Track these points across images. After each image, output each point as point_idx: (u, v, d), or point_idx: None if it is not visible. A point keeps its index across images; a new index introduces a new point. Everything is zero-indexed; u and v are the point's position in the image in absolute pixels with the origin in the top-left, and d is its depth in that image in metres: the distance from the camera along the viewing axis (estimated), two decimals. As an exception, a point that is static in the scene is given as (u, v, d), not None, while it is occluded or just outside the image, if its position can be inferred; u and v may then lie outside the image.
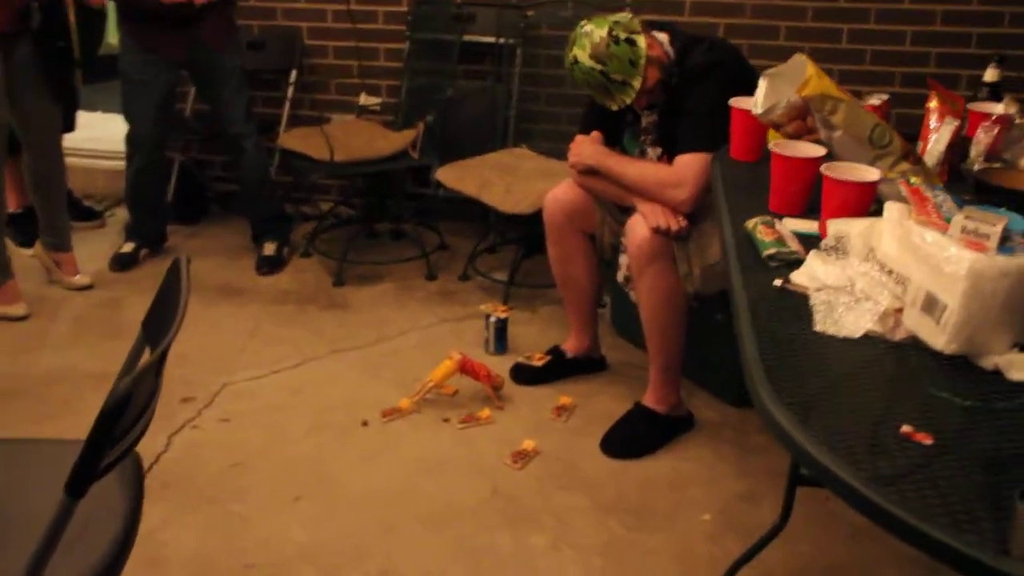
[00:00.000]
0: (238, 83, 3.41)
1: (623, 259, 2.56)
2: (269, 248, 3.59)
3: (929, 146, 1.83)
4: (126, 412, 1.19)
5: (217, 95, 3.40)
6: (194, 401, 2.67)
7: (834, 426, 1.10)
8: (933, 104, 1.88)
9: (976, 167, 1.77)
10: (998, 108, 1.93)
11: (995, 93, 2.20)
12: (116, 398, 1.16)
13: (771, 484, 2.32)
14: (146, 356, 1.54)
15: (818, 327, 1.31)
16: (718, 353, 2.68)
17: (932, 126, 1.85)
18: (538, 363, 2.79)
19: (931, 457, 1.02)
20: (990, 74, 2.23)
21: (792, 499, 1.94)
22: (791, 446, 1.09)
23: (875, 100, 2.02)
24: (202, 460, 2.41)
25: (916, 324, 1.24)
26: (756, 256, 1.55)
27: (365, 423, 2.58)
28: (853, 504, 0.98)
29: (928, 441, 1.05)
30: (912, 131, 1.92)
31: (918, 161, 1.71)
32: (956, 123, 1.80)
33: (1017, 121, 1.85)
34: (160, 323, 1.47)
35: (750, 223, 1.63)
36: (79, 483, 1.19)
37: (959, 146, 1.84)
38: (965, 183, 1.79)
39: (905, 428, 1.07)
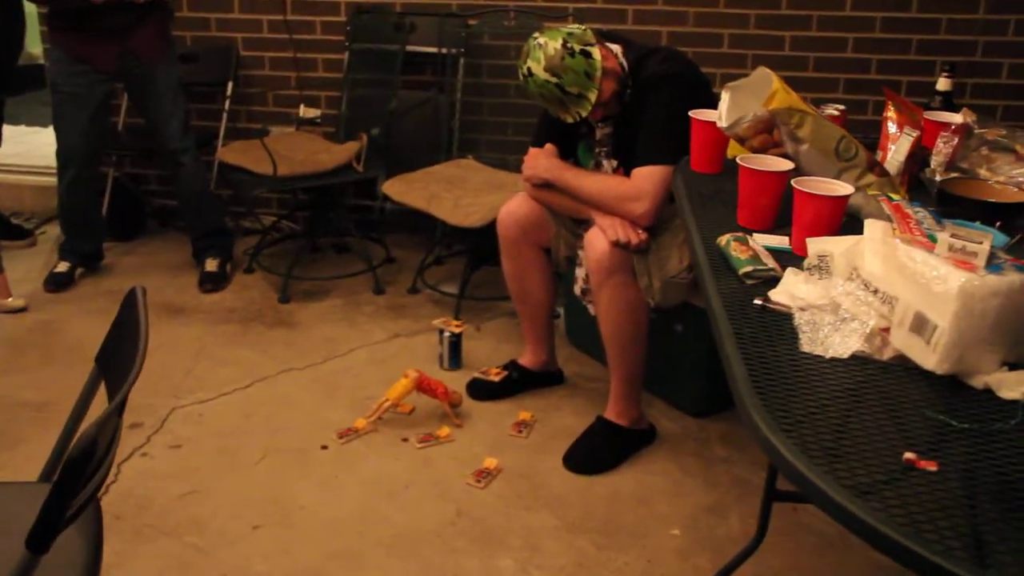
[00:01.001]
0: (174, 96, 3.31)
1: (579, 271, 2.54)
2: (211, 264, 3.51)
3: (889, 156, 1.83)
4: (92, 459, 1.11)
5: (153, 108, 3.29)
6: (142, 427, 2.58)
7: (833, 450, 1.07)
8: (891, 113, 1.88)
9: (938, 177, 1.78)
10: (956, 118, 1.95)
11: (948, 102, 2.22)
12: (82, 446, 1.08)
13: (737, 495, 2.32)
14: (102, 392, 1.46)
15: (805, 347, 1.29)
16: (678, 364, 2.67)
17: (891, 134, 1.86)
18: (495, 378, 2.76)
19: (938, 485, 1.00)
20: (943, 83, 2.25)
21: (768, 516, 1.93)
22: (792, 474, 1.06)
23: (833, 111, 2.02)
24: (154, 489, 2.33)
25: (905, 344, 1.23)
26: (730, 273, 1.53)
27: (324, 447, 2.52)
28: (866, 538, 0.95)
29: (933, 468, 1.03)
30: (861, 138, 1.92)
31: (884, 173, 1.70)
32: (916, 133, 1.80)
33: (976, 131, 1.86)
34: (117, 359, 1.39)
35: (722, 240, 1.61)
36: (42, 537, 1.11)
37: (918, 156, 1.85)
38: (926, 193, 1.79)
39: (908, 455, 1.05)
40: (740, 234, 1.61)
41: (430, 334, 3.07)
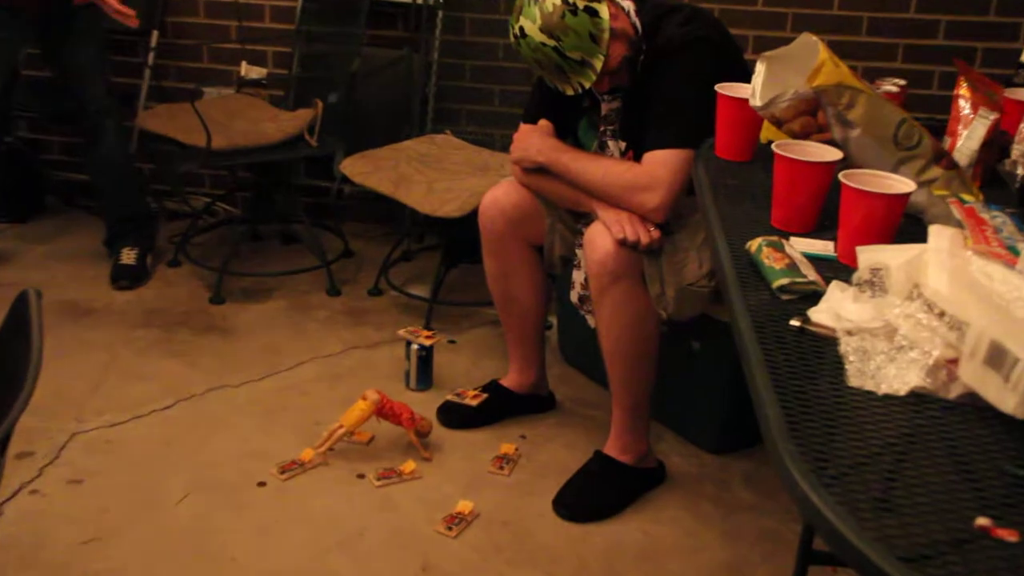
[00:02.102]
0: (98, 48, 3.29)
1: (577, 275, 2.54)
2: (128, 255, 3.49)
3: (959, 143, 1.82)
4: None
5: (73, 61, 3.26)
6: (33, 457, 2.56)
7: (886, 510, 1.05)
8: (963, 91, 1.87)
9: (1021, 171, 1.77)
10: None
11: (1033, 77, 2.21)
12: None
13: (765, 551, 2.31)
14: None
15: (852, 381, 1.27)
16: (693, 389, 2.67)
17: (963, 116, 1.84)
18: (472, 402, 2.76)
19: (1020, 558, 0.99)
20: (1026, 54, 2.24)
21: (803, 583, 1.93)
22: (834, 538, 1.05)
23: (891, 87, 2.00)
24: (45, 535, 2.30)
25: (977, 380, 1.21)
26: (761, 285, 1.51)
27: (262, 484, 2.50)
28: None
29: (1013, 538, 1.01)
30: (925, 122, 1.90)
31: (953, 165, 1.69)
32: (994, 116, 1.79)
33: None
34: (2, 373, 1.37)
35: (753, 244, 1.59)
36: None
37: (996, 144, 1.84)
38: (1006, 191, 1.78)
39: (981, 521, 1.03)
40: (774, 238, 1.60)
41: (395, 346, 3.05)
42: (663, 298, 2.29)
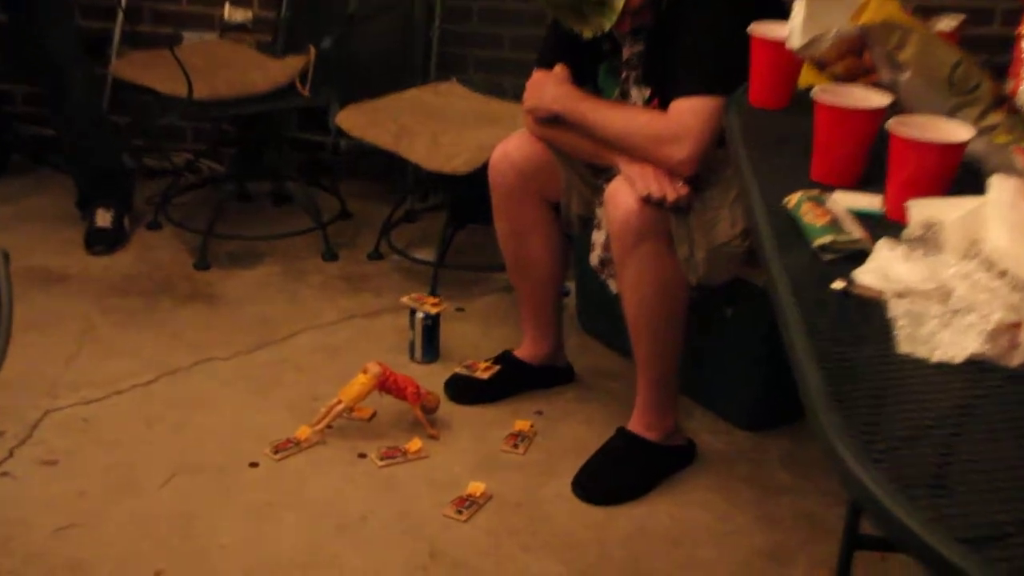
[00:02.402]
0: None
1: (598, 236, 2.53)
2: (103, 217, 3.50)
3: (1023, 87, 1.81)
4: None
5: (34, 3, 3.25)
6: (2, 437, 2.57)
7: (940, 488, 1.06)
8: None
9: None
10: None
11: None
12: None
13: (805, 536, 2.31)
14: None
15: (903, 347, 1.27)
16: (726, 360, 2.67)
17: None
18: (483, 375, 2.76)
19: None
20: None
21: (848, 569, 1.94)
22: (883, 517, 1.05)
23: (946, 25, 1.99)
24: (17, 521, 2.30)
25: (1041, 346, 1.21)
26: (801, 244, 1.51)
27: (254, 464, 2.51)
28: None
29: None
30: (985, 63, 1.89)
31: (1015, 110, 1.68)
32: (1059, 57, 1.78)
33: None
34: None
35: (791, 199, 1.59)
36: None
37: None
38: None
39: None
40: (815, 192, 1.59)
41: (398, 315, 3.05)
42: (692, 260, 2.29)
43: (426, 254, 3.39)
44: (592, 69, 2.51)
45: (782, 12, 1.99)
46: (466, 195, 3.17)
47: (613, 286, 2.47)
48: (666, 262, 2.31)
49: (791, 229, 1.54)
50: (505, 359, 2.80)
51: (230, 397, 2.76)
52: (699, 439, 2.61)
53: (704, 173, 2.31)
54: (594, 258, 2.56)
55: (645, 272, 2.33)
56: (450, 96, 3.36)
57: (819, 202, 1.56)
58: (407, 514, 2.36)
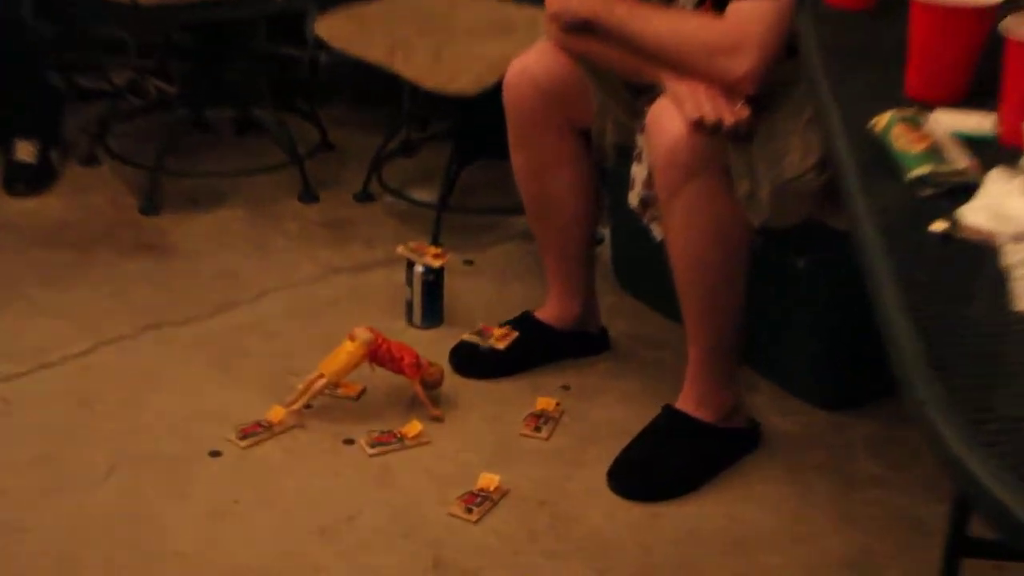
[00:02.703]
0: None
1: (638, 170, 2.52)
2: (24, 150, 3.51)
3: None
4: None
5: None
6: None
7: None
8: None
9: None
10: None
11: None
12: None
13: (898, 541, 2.31)
14: None
15: (1021, 303, 1.25)
16: (798, 322, 2.67)
17: None
18: (497, 343, 2.77)
19: None
20: None
21: (953, 578, 1.93)
22: (996, 513, 1.03)
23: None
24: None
25: None
26: (893, 177, 1.50)
27: (216, 453, 2.50)
28: None
29: None
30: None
31: None
32: None
33: None
34: None
35: (880, 121, 1.58)
36: None
37: None
38: None
39: None
40: (910, 112, 1.58)
41: (392, 269, 3.05)
42: (755, 199, 2.28)
43: (426, 194, 3.39)
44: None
45: None
46: (475, 122, 3.17)
47: (657, 232, 2.46)
48: (723, 202, 2.30)
49: (880, 158, 1.54)
50: (524, 323, 2.81)
51: (186, 371, 2.75)
52: (764, 420, 2.61)
53: (769, 91, 2.30)
54: (633, 198, 2.55)
55: (697, 214, 2.32)
56: (455, 1, 3.35)
57: (915, 124, 1.55)
58: (405, 513, 2.36)
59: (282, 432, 2.56)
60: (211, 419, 2.59)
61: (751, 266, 2.39)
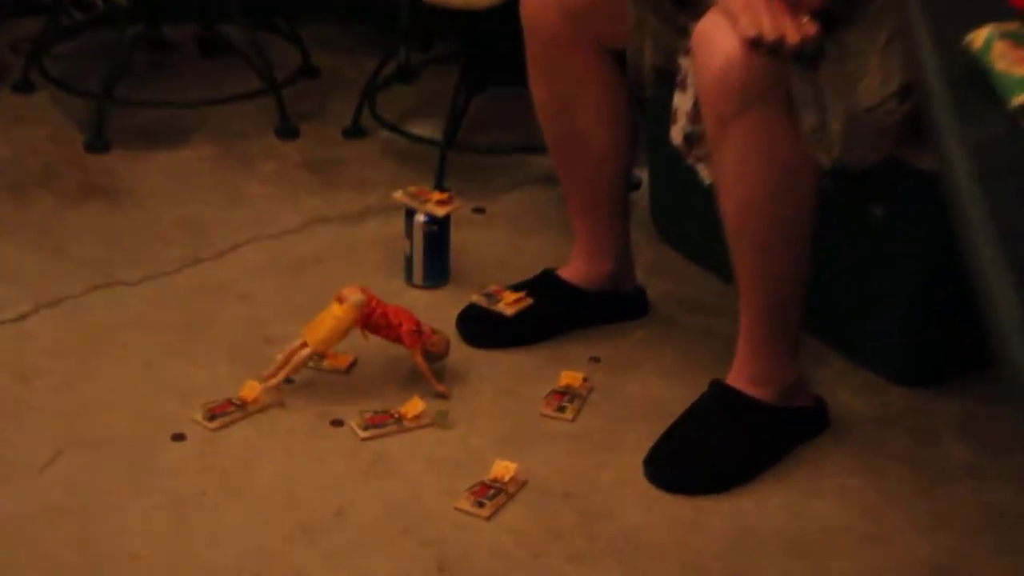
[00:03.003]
0: None
1: (682, 100, 2.52)
2: None
3: None
4: None
5: None
6: None
7: None
8: None
9: None
10: None
11: None
12: None
13: (993, 542, 2.31)
14: None
15: None
16: (875, 283, 2.67)
17: None
18: (511, 308, 2.77)
19: None
20: None
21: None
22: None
23: None
24: None
25: None
26: (993, 106, 1.49)
27: (179, 437, 2.51)
28: None
29: None
30: None
31: None
32: None
33: None
34: None
35: (977, 38, 1.57)
36: None
37: None
38: None
39: None
40: (1014, 26, 1.57)
41: (388, 218, 3.07)
42: (824, 134, 2.28)
43: (429, 129, 3.39)
44: None
45: None
46: (486, 42, 3.17)
47: (705, 174, 2.46)
48: (784, 137, 2.29)
49: (977, 83, 1.52)
50: (545, 283, 2.82)
51: (143, 339, 2.76)
52: (833, 399, 2.61)
53: (841, 3, 2.28)
54: (676, 133, 2.54)
55: (753, 152, 2.30)
56: None
57: (1020, 41, 1.54)
58: (403, 508, 2.36)
59: (258, 412, 2.56)
60: (173, 396, 2.59)
61: (818, 215, 2.38)
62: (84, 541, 2.29)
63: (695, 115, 2.43)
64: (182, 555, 2.27)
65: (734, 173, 2.34)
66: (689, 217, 2.88)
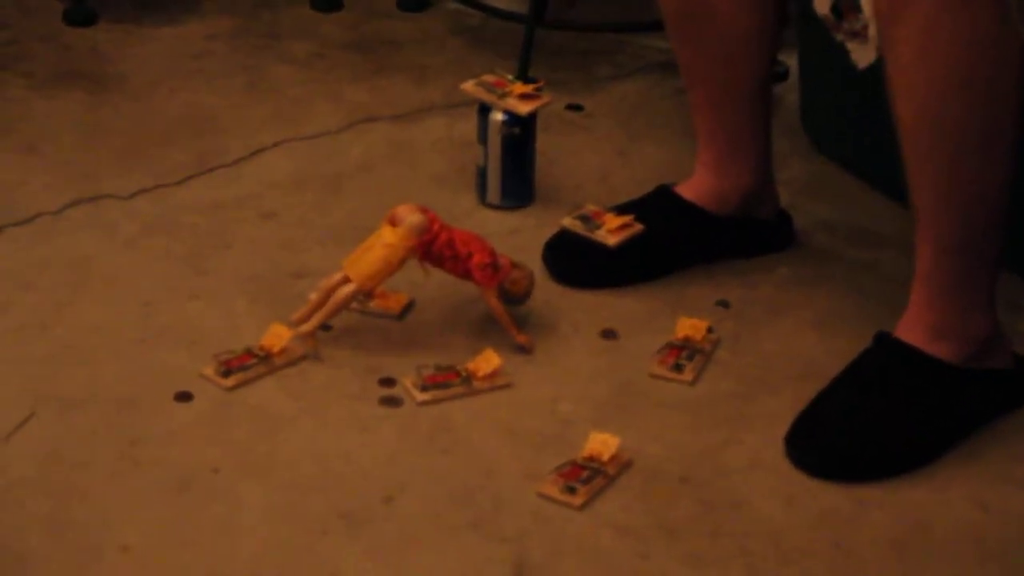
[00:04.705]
0: None
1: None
2: None
3: None
4: None
5: None
6: None
7: None
8: None
9: None
10: None
11: None
12: None
13: None
14: None
15: None
16: None
17: None
18: (614, 235, 2.79)
19: None
20: None
21: None
22: None
23: None
24: None
25: None
26: None
27: (184, 396, 2.52)
28: None
29: None
30: None
31: None
32: None
33: None
34: None
35: None
36: None
37: None
38: None
39: None
40: None
41: (455, 116, 3.11)
42: None
43: (511, 0, 3.40)
44: None
45: None
46: None
47: (859, 55, 2.50)
48: (981, 10, 2.26)
49: None
50: (660, 202, 2.83)
51: (137, 269, 2.79)
52: (1039, 357, 2.60)
53: None
54: (822, 2, 2.55)
55: (940, 29, 2.27)
56: None
57: None
58: (472, 493, 2.36)
59: (286, 366, 2.58)
60: (177, 343, 2.62)
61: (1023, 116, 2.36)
62: (60, 527, 2.29)
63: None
64: (185, 548, 2.27)
65: (914, 58, 2.31)
66: (851, 118, 2.86)
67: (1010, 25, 2.26)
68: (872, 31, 2.51)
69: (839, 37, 2.51)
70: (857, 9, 2.40)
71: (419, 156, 3.05)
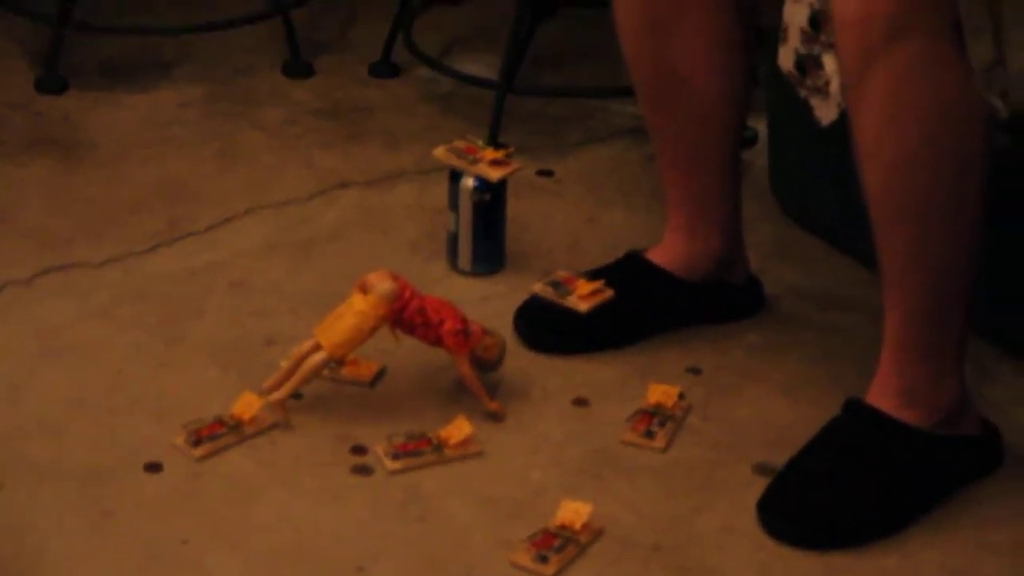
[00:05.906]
0: None
1: (795, 12, 2.60)
2: None
3: None
4: None
5: None
6: None
7: None
8: None
9: None
10: None
11: None
12: None
13: None
14: None
15: None
16: None
17: None
18: (585, 301, 2.77)
19: None
20: None
21: None
22: None
23: None
24: None
25: None
26: None
27: (153, 467, 2.51)
28: None
29: None
30: None
31: None
32: None
33: None
34: None
35: None
36: None
37: None
38: None
39: None
40: None
41: (427, 182, 3.10)
42: (1000, 73, 2.28)
43: (481, 68, 3.42)
44: None
45: None
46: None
47: (822, 112, 2.54)
48: (949, 77, 2.27)
49: None
50: (630, 268, 2.82)
51: (107, 337, 2.78)
52: (1007, 424, 2.59)
53: None
54: (787, 56, 2.64)
55: (906, 94, 2.28)
56: None
57: None
58: (446, 561, 2.36)
59: (256, 435, 2.57)
60: (147, 413, 2.61)
61: (991, 183, 2.36)
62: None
63: (812, 33, 2.49)
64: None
65: (880, 124, 2.31)
66: (817, 178, 2.86)
67: (975, 90, 2.28)
68: (834, 87, 2.53)
69: (803, 93, 2.53)
70: (819, 66, 2.42)
71: (390, 222, 3.06)
